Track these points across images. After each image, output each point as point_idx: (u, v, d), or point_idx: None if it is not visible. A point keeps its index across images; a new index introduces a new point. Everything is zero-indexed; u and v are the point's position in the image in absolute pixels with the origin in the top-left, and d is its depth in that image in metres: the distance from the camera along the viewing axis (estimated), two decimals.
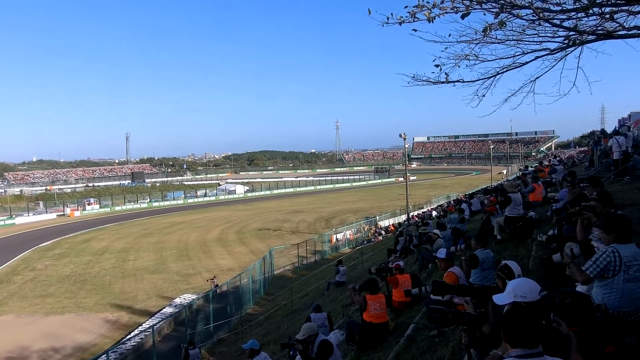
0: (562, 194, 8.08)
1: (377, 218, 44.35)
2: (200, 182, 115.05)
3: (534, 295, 2.66)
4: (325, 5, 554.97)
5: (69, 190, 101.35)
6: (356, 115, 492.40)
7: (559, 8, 4.16)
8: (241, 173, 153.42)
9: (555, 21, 4.32)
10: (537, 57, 4.77)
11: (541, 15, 4.17)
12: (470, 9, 4.04)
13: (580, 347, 2.47)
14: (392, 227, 39.23)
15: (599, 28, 4.36)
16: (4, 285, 26.99)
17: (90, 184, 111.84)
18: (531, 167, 24.25)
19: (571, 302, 3.29)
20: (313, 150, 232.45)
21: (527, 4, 4.10)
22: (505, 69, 4.97)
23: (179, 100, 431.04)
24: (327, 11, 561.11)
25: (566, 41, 4.50)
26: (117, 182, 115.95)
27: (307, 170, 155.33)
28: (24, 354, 17.25)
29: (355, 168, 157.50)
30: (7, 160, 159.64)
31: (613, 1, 3.98)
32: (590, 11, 4.10)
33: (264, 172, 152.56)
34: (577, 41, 4.40)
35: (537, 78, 4.96)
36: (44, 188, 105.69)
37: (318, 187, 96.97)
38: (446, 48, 4.73)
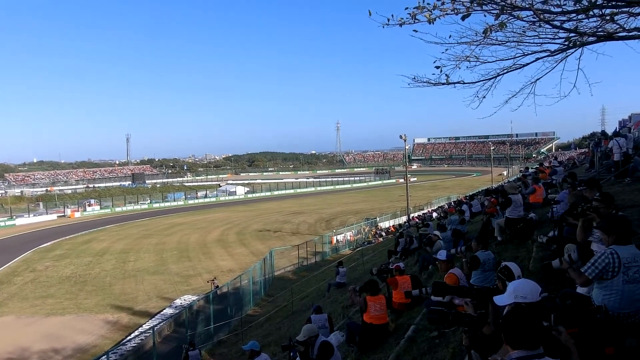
0: (562, 196, 8.07)
1: (378, 219, 44.34)
2: (200, 183, 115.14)
3: (534, 296, 2.66)
4: (325, 7, 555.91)
5: (70, 191, 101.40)
6: (357, 117, 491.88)
7: (559, 9, 4.17)
8: (242, 174, 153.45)
9: (555, 23, 4.33)
10: (537, 59, 4.77)
11: (541, 16, 4.17)
12: (470, 10, 4.05)
13: (581, 349, 2.47)
14: (392, 229, 39.24)
15: (600, 29, 4.36)
16: (4, 286, 26.99)
17: (91, 185, 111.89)
18: (532, 168, 24.24)
19: (571, 304, 3.30)
20: (313, 152, 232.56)
21: (527, 6, 4.11)
22: (505, 71, 4.98)
23: (180, 101, 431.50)
24: (327, 12, 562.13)
25: (566, 43, 4.51)
26: (117, 183, 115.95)
27: (307, 172, 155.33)
28: (24, 355, 17.25)
29: (355, 169, 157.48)
30: (7, 161, 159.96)
31: (613, 3, 3.98)
32: (591, 13, 4.10)
33: (265, 173, 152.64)
34: (578, 43, 4.41)
35: (538, 79, 4.97)
36: (44, 189, 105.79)
37: (318, 188, 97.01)
38: (447, 49, 4.74)
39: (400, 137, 38.15)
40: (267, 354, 6.94)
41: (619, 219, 3.49)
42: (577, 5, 4.06)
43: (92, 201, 71.94)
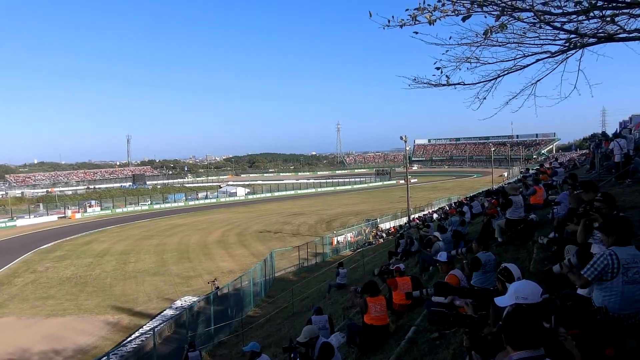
0: (563, 197, 8.07)
1: (378, 220, 44.36)
2: (201, 185, 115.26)
3: (535, 297, 2.67)
4: (326, 8, 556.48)
5: (70, 192, 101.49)
6: (357, 118, 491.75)
7: (559, 11, 4.17)
8: (242, 175, 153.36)
9: (556, 24, 4.33)
10: (538, 60, 4.77)
11: (542, 18, 4.18)
12: (471, 11, 4.06)
13: (581, 350, 2.47)
14: (393, 230, 39.22)
15: (600, 31, 4.36)
16: (4, 288, 27.02)
17: (92, 186, 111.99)
18: (532, 169, 24.22)
19: (572, 305, 3.30)
20: (314, 153, 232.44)
21: (528, 7, 4.11)
22: (506, 72, 4.97)
23: (180, 102, 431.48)
24: (327, 13, 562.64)
25: (567, 44, 4.51)
26: (118, 184, 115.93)
27: (308, 173, 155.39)
28: (24, 356, 17.26)
29: (356, 170, 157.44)
30: (8, 162, 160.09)
31: (614, 4, 3.99)
32: (591, 14, 4.11)
33: (265, 175, 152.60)
34: (578, 44, 4.41)
35: (538, 81, 4.96)
36: (45, 190, 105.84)
37: (319, 189, 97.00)
38: (447, 51, 4.74)
39: (401, 138, 38.12)
40: (267, 355, 6.93)
41: (619, 220, 3.49)
42: (578, 7, 4.06)
43: (93, 202, 71.99)
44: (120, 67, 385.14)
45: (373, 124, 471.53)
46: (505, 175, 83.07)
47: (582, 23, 4.34)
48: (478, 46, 4.72)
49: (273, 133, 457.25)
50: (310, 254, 31.82)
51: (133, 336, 17.83)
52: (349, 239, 37.55)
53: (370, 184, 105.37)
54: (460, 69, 4.86)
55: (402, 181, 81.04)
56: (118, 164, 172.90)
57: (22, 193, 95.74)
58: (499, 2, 4.06)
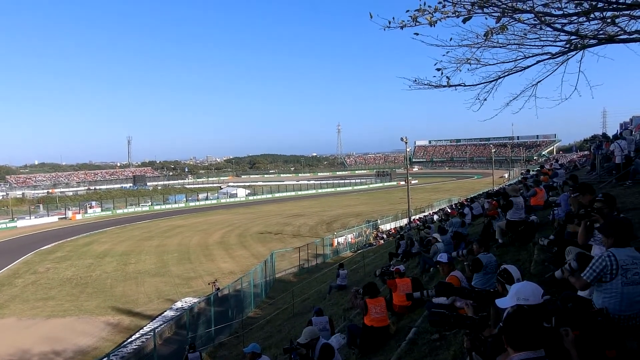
0: (563, 198, 8.07)
1: (379, 222, 44.33)
2: (201, 186, 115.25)
3: (536, 298, 2.67)
4: (326, 9, 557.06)
5: (71, 193, 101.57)
6: (358, 119, 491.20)
7: (560, 12, 4.18)
8: (243, 176, 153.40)
9: (556, 25, 4.33)
10: (538, 61, 4.77)
11: (543, 19, 4.18)
12: (471, 13, 4.06)
13: (582, 352, 2.47)
14: (393, 231, 39.20)
15: (601, 32, 4.36)
16: (5, 288, 27.03)
17: (92, 187, 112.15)
18: (533, 171, 24.21)
19: (572, 306, 3.29)
20: (315, 154, 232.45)
21: (528, 8, 4.12)
22: (506, 73, 4.97)
23: (181, 103, 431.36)
24: (328, 14, 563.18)
25: (567, 45, 4.51)
26: (118, 186, 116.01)
27: (308, 174, 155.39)
28: (25, 357, 17.26)
29: (356, 172, 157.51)
30: (9, 163, 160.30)
31: (614, 5, 3.99)
32: (592, 15, 4.11)
33: (266, 176, 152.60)
34: (579, 45, 4.40)
35: (539, 82, 4.96)
36: (45, 191, 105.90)
37: (319, 190, 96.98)
38: (448, 52, 4.74)
39: (401, 139, 38.13)
40: (268, 356, 6.93)
41: (619, 221, 3.48)
42: (578, 8, 4.07)
43: (94, 203, 72.03)
44: (121, 68, 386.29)
45: (373, 125, 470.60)
46: (506, 176, 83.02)
47: (583, 24, 4.34)
48: (478, 47, 4.72)
49: (274, 134, 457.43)
50: (311, 255, 31.81)
51: (133, 337, 17.84)
52: (350, 240, 37.54)
53: (371, 185, 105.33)
54: (460, 70, 4.86)
55: (403, 182, 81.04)
56: (119, 165, 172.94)
57: (23, 194, 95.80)
58: (500, 3, 4.06)
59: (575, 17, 4.17)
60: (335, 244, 36.20)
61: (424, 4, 4.02)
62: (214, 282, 23.20)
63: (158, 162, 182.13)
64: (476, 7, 4.04)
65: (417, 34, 4.28)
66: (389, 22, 4.22)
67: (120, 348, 16.11)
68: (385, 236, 37.81)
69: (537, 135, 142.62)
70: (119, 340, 18.35)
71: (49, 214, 65.47)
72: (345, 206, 66.17)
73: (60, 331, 19.61)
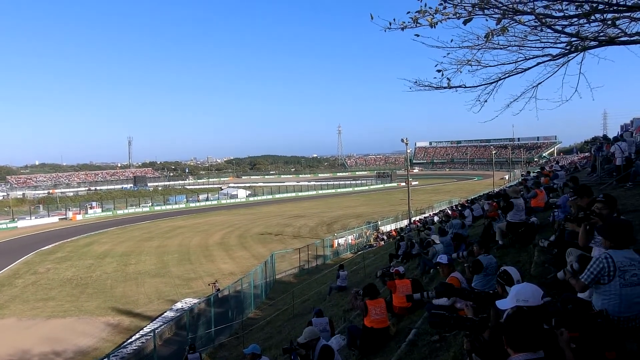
0: (563, 200, 8.07)
1: (379, 223, 44.30)
2: (202, 186, 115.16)
3: (536, 299, 2.67)
4: (326, 9, 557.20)
5: (71, 193, 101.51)
6: (358, 120, 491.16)
7: (561, 14, 4.18)
8: (243, 177, 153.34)
9: (557, 27, 4.34)
10: (539, 63, 4.77)
11: (543, 21, 4.18)
12: (472, 14, 4.07)
13: (582, 354, 2.47)
14: (393, 232, 39.17)
15: (601, 34, 4.37)
16: (5, 289, 27.04)
17: (93, 188, 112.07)
18: (533, 172, 24.20)
19: (572, 308, 3.29)
20: (315, 155, 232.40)
21: (529, 10, 4.12)
22: (507, 75, 4.98)
23: (182, 104, 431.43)
24: (328, 14, 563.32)
25: (568, 47, 4.51)
26: (119, 186, 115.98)
27: (309, 175, 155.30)
28: (25, 358, 17.26)
29: (357, 173, 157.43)
30: (9, 163, 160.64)
31: (615, 7, 3.99)
32: (592, 17, 4.11)
33: (266, 177, 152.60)
34: (579, 47, 4.41)
35: (539, 84, 4.97)
36: (46, 191, 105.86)
37: (320, 191, 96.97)
38: (448, 53, 4.75)
39: (402, 140, 38.22)
40: (267, 357, 6.93)
41: (618, 222, 3.48)
42: (579, 10, 4.07)
43: (94, 204, 72.05)
44: (121, 68, 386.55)
45: (374, 126, 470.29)
46: (507, 178, 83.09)
47: (584, 26, 4.35)
48: (479, 49, 4.73)
49: (274, 135, 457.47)
50: (311, 256, 31.80)
51: (133, 338, 17.84)
52: (350, 241, 37.54)
53: (371, 187, 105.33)
54: (461, 72, 4.87)
55: (403, 184, 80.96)
56: (119, 165, 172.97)
57: (23, 194, 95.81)
58: (500, 5, 4.07)
59: (575, 19, 4.18)
60: (336, 245, 36.21)
61: (425, 5, 4.03)
62: (214, 283, 23.20)
63: (159, 162, 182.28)
64: (477, 9, 4.05)
65: (417, 35, 4.29)
66: (390, 24, 4.23)
67: (120, 349, 16.10)
68: (385, 237, 37.79)
69: (538, 137, 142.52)
70: (119, 340, 18.35)
71: (49, 214, 65.49)
72: (346, 207, 66.16)
73: (60, 332, 19.61)
